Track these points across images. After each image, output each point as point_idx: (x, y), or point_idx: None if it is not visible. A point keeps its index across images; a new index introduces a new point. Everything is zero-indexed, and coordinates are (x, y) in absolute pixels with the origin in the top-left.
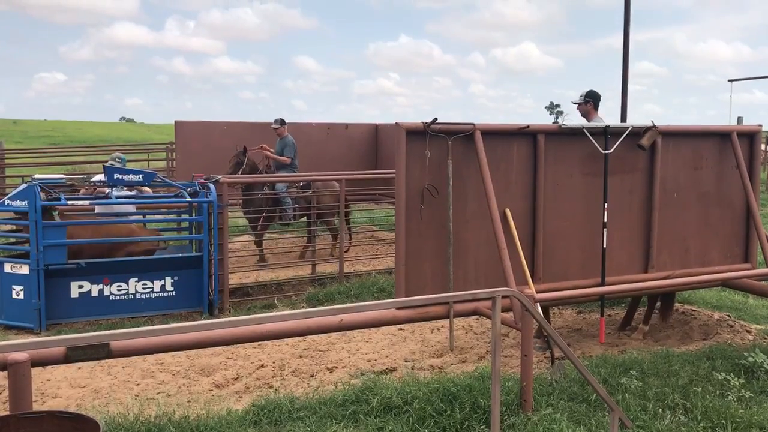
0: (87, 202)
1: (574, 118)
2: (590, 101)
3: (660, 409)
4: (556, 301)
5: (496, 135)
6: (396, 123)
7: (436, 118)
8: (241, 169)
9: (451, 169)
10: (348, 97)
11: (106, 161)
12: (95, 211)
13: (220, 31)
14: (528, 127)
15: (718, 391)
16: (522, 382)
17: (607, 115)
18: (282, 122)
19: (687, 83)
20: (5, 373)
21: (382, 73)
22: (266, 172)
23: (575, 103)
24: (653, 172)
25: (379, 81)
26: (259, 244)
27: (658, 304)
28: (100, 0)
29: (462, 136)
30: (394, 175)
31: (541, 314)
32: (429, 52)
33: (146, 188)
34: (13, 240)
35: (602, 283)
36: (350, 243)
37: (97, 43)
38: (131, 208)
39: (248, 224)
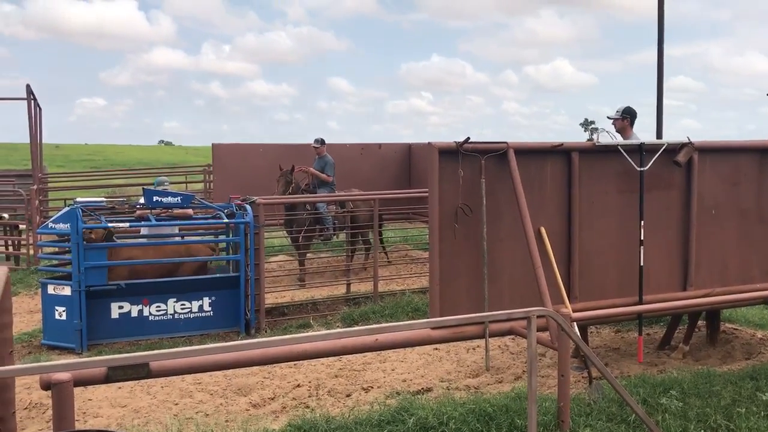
0: (127, 224)
1: (609, 134)
2: (627, 117)
3: (702, 431)
4: (593, 320)
5: (529, 153)
6: (428, 142)
7: (468, 137)
8: (291, 188)
9: (485, 188)
10: (381, 117)
11: (147, 184)
12: (140, 233)
13: (255, 54)
14: (562, 144)
15: (762, 413)
16: (559, 403)
17: (643, 132)
18: (322, 142)
19: (725, 97)
20: (48, 392)
21: (414, 93)
22: (308, 191)
23: (611, 119)
24: (690, 189)
25: (412, 100)
26: (301, 263)
27: (700, 322)
28: (138, 26)
29: (495, 154)
30: (427, 194)
31: (578, 334)
32: (461, 70)
33: (188, 210)
34: (56, 262)
35: (640, 302)
36: (388, 260)
37: (136, 68)
38: (176, 230)
39: (291, 243)
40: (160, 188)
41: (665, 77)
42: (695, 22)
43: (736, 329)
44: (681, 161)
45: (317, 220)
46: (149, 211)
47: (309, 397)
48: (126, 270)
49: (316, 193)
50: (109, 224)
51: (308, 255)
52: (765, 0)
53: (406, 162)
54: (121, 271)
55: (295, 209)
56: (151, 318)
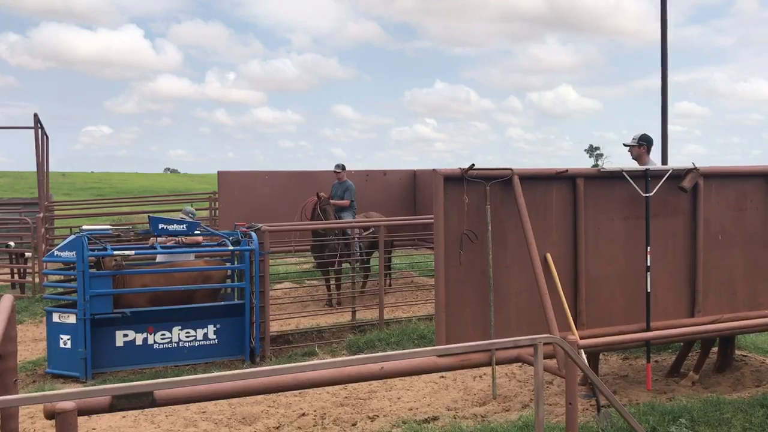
0: (132, 252)
1: (614, 161)
2: (643, 145)
3: None
4: (600, 347)
5: (534, 179)
6: (434, 169)
7: (473, 164)
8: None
9: (490, 215)
10: (386, 144)
11: (152, 212)
12: (156, 260)
13: (260, 82)
14: (567, 170)
15: None
16: (567, 431)
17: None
18: (343, 167)
19: (730, 123)
20: (52, 421)
21: (419, 119)
22: (334, 217)
23: (627, 146)
24: (696, 214)
25: (416, 127)
26: (338, 287)
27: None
28: (144, 55)
29: (500, 181)
30: (432, 220)
31: (585, 361)
32: (465, 97)
33: (198, 238)
34: (61, 290)
35: (647, 328)
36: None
37: (141, 96)
38: (191, 257)
39: (319, 267)
40: (180, 216)
41: (670, 103)
42: (699, 47)
43: (746, 356)
44: (686, 187)
45: (347, 244)
46: (156, 238)
47: (314, 426)
48: (143, 296)
49: (340, 218)
50: (104, 252)
51: (313, 282)
52: None
53: (411, 189)
54: (139, 297)
55: (326, 235)
56: (155, 346)
